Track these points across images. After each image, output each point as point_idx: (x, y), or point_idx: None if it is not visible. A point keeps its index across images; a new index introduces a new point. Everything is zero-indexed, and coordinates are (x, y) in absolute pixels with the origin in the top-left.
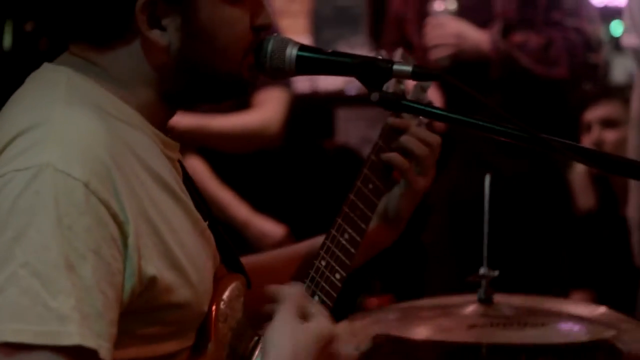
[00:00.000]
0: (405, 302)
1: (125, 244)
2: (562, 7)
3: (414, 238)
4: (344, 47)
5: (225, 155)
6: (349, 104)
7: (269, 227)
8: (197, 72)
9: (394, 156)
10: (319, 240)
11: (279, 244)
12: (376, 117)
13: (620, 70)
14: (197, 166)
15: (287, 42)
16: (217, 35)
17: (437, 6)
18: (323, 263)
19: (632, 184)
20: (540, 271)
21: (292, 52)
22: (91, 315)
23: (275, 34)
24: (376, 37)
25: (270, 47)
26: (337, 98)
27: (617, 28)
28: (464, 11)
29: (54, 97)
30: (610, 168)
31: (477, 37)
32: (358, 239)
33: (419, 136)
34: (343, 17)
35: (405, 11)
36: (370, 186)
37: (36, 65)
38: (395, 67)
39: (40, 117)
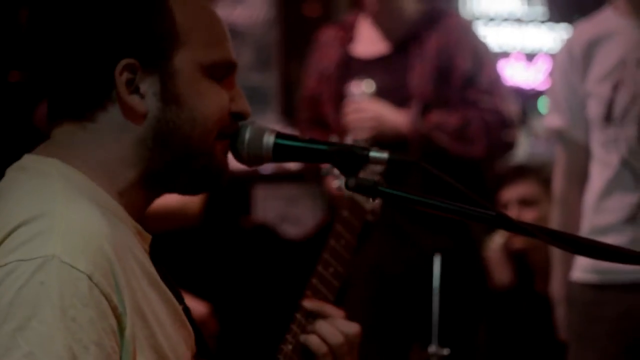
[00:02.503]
0: None
1: (122, 336)
2: (477, 86)
3: None
4: None
5: None
6: (265, 181)
7: (191, 305)
8: (174, 146)
9: (311, 339)
10: None
11: (202, 321)
12: (292, 195)
13: (519, 149)
14: None
15: (264, 129)
16: (195, 105)
17: (354, 88)
18: (290, 347)
19: (556, 260)
20: (459, 345)
21: (269, 139)
22: None
23: (252, 122)
24: (288, 115)
25: (247, 135)
26: (253, 176)
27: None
28: (380, 91)
29: (52, 189)
30: (577, 249)
31: (396, 118)
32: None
33: (337, 324)
34: (255, 96)
35: (321, 91)
36: (338, 252)
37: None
38: (372, 154)
39: (41, 208)
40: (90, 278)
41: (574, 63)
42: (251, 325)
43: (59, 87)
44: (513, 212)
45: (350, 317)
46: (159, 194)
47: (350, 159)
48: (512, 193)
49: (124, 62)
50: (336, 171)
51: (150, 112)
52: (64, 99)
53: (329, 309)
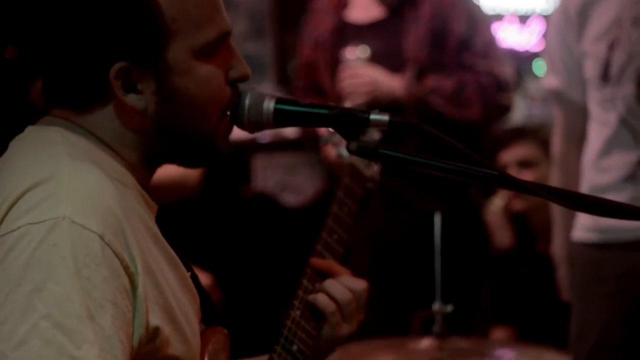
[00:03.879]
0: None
1: (135, 295)
2: (472, 49)
3: None
4: None
5: None
6: (264, 150)
7: None
8: (175, 134)
9: (319, 298)
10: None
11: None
12: (292, 163)
13: (517, 111)
14: None
15: (264, 95)
16: (193, 95)
17: (349, 54)
18: (298, 313)
19: (557, 221)
20: (461, 309)
21: (269, 105)
22: None
23: (252, 88)
24: (284, 84)
25: (247, 101)
26: (252, 146)
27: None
28: (375, 57)
29: (57, 153)
30: (580, 206)
31: (391, 83)
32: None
33: (344, 280)
34: (250, 65)
35: (317, 58)
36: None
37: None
38: (372, 116)
39: (47, 172)
40: (101, 238)
41: (569, 23)
42: (254, 294)
43: (56, 87)
44: (512, 174)
45: None
46: (158, 166)
47: (351, 122)
48: (510, 155)
49: (117, 65)
50: (335, 138)
51: (149, 107)
52: (61, 94)
53: (335, 267)
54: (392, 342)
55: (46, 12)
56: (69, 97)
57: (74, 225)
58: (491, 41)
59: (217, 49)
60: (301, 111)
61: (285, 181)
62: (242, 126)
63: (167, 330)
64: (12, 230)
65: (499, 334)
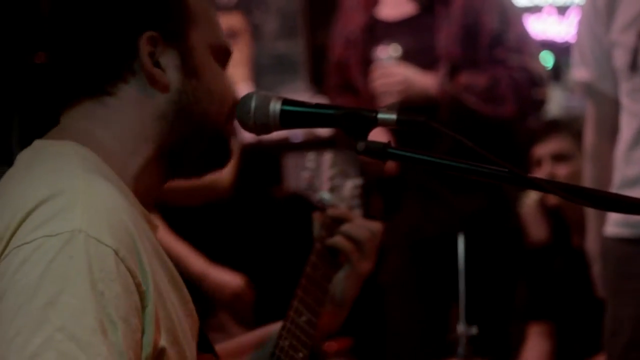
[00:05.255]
0: None
1: (144, 313)
2: (505, 44)
3: (370, 280)
4: (286, 93)
5: (178, 208)
6: (296, 150)
7: (227, 278)
8: (191, 119)
9: (338, 240)
10: (272, 327)
11: (238, 293)
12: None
13: (555, 104)
14: None
15: (270, 97)
16: (211, 80)
17: (381, 52)
18: (286, 343)
19: (590, 216)
20: (498, 304)
21: (275, 107)
22: None
23: (257, 90)
24: (317, 82)
25: (253, 103)
26: (283, 145)
27: (547, 60)
28: (408, 55)
29: (70, 166)
30: (592, 202)
31: (424, 81)
32: (314, 320)
33: (360, 223)
34: (282, 64)
35: (348, 56)
36: (320, 272)
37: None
38: (380, 115)
39: (61, 185)
40: (116, 253)
41: (597, 14)
42: (287, 295)
43: (81, 60)
44: (546, 168)
45: (389, 282)
46: (168, 176)
47: (358, 122)
48: (545, 149)
49: (147, 34)
50: (325, 197)
51: (172, 84)
52: (83, 73)
53: (349, 214)
54: None
55: None
56: (93, 74)
57: (90, 239)
58: (524, 35)
59: (223, 59)
60: (308, 112)
61: None
62: (248, 129)
63: (171, 352)
64: (27, 243)
65: (536, 330)
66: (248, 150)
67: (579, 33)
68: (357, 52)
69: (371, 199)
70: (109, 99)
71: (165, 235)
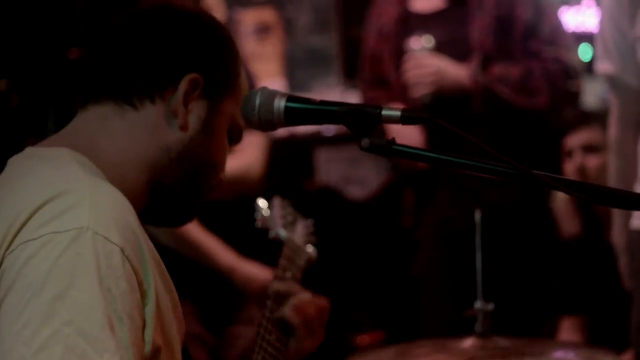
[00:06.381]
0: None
1: (144, 312)
2: (539, 36)
3: (403, 272)
4: (319, 88)
5: (209, 202)
6: (328, 144)
7: (256, 272)
8: (190, 166)
9: (288, 312)
10: None
11: (267, 287)
12: (356, 156)
13: (592, 95)
14: None
15: (275, 94)
16: (219, 148)
17: (414, 44)
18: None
19: (616, 209)
20: (530, 298)
21: (280, 104)
22: None
23: (263, 87)
24: (350, 77)
25: (258, 100)
26: (316, 139)
27: (586, 52)
28: (441, 46)
29: (72, 170)
30: (594, 198)
31: (457, 72)
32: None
33: (308, 299)
34: (316, 59)
35: (381, 49)
36: (273, 336)
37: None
38: (384, 112)
39: (67, 185)
40: (123, 251)
41: (622, 8)
42: (319, 289)
43: (128, 62)
44: (577, 159)
45: (422, 275)
46: (143, 206)
47: (363, 119)
48: (576, 140)
49: (195, 75)
50: (269, 222)
51: (190, 130)
52: (123, 74)
53: (298, 288)
54: (433, 342)
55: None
56: (129, 82)
57: (98, 237)
58: (558, 27)
59: (233, 142)
60: (312, 109)
61: (350, 174)
62: (253, 126)
63: (165, 353)
64: (34, 239)
65: (568, 324)
66: (280, 144)
67: (602, 26)
68: (391, 44)
69: (404, 192)
70: (130, 112)
71: (194, 229)
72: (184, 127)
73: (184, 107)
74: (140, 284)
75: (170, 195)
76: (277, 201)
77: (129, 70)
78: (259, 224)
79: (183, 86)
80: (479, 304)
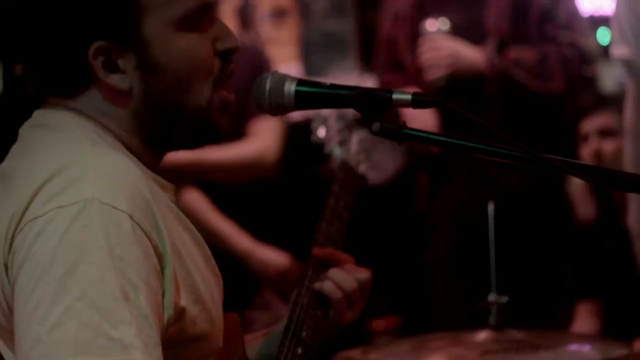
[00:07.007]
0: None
1: (163, 275)
2: (555, 21)
3: (418, 258)
4: (335, 72)
5: (224, 186)
6: None
7: (272, 256)
8: (166, 112)
9: (326, 285)
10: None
11: (283, 272)
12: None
13: (610, 79)
14: (197, 199)
15: (285, 78)
16: (177, 68)
17: (430, 26)
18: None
19: (632, 194)
20: (546, 284)
21: (290, 87)
22: (150, 343)
23: (273, 71)
24: (367, 61)
25: (268, 84)
26: None
27: (604, 36)
28: (456, 29)
29: (75, 139)
30: (608, 182)
31: (472, 55)
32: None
33: (349, 270)
34: (332, 42)
35: (397, 33)
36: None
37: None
38: (395, 95)
39: (70, 158)
40: (131, 217)
41: None
42: None
43: (42, 75)
44: (593, 143)
45: (436, 260)
46: (164, 152)
47: (373, 103)
48: (592, 124)
49: (95, 45)
50: (335, 151)
51: (135, 86)
52: (48, 82)
53: (339, 255)
54: (446, 335)
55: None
56: (56, 84)
57: (104, 206)
58: (574, 12)
59: (199, 20)
60: (323, 92)
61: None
62: (264, 110)
63: (193, 310)
64: (40, 216)
65: (584, 308)
66: (295, 128)
67: (617, 10)
68: (406, 28)
69: (418, 177)
70: (80, 102)
71: (210, 213)
72: (126, 92)
73: (115, 74)
74: (155, 248)
75: (176, 134)
76: (334, 116)
77: (44, 78)
78: (313, 138)
79: (94, 64)
80: (492, 297)
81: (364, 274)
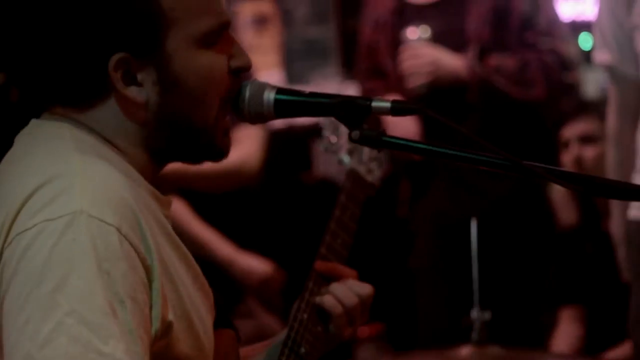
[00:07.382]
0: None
1: (151, 288)
2: (535, 28)
3: (401, 264)
4: (317, 79)
5: (206, 195)
6: None
7: (255, 264)
8: (175, 128)
9: (326, 300)
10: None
11: (266, 279)
12: (353, 147)
13: (592, 85)
14: (179, 207)
15: (264, 86)
16: (194, 84)
17: (410, 34)
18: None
19: (614, 200)
20: (528, 290)
21: (269, 96)
22: (138, 359)
23: (253, 79)
24: (348, 67)
25: (247, 92)
26: (313, 131)
27: (586, 42)
28: (437, 37)
29: (66, 149)
30: (589, 189)
31: (453, 62)
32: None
33: (349, 286)
34: (313, 50)
35: (377, 39)
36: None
37: (6, 117)
38: (374, 103)
39: (58, 169)
40: (119, 230)
41: None
42: None
43: (54, 85)
44: (574, 150)
45: (419, 267)
46: (164, 164)
47: (353, 111)
48: (572, 130)
49: (116, 57)
50: (334, 147)
51: (151, 99)
52: (59, 92)
53: (341, 270)
54: (429, 353)
55: (42, 5)
56: (68, 95)
57: (92, 219)
58: (554, 19)
59: (217, 37)
60: (302, 101)
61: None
62: (243, 118)
63: (178, 327)
64: (28, 229)
65: (567, 314)
66: (277, 136)
67: (599, 15)
68: (387, 35)
69: (399, 184)
70: (89, 112)
71: (193, 222)
72: (143, 104)
73: (132, 86)
74: (143, 261)
75: (180, 150)
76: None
77: (54, 90)
78: (322, 147)
79: (114, 76)
80: (475, 313)
81: (365, 289)
